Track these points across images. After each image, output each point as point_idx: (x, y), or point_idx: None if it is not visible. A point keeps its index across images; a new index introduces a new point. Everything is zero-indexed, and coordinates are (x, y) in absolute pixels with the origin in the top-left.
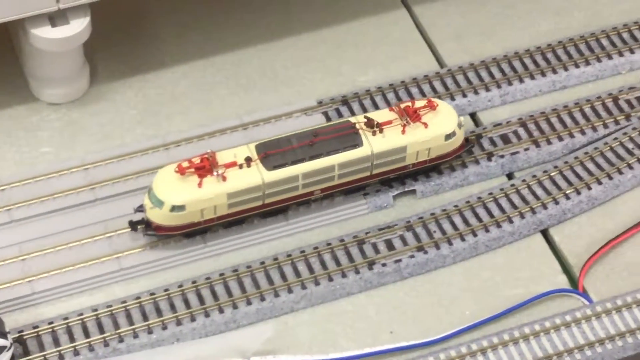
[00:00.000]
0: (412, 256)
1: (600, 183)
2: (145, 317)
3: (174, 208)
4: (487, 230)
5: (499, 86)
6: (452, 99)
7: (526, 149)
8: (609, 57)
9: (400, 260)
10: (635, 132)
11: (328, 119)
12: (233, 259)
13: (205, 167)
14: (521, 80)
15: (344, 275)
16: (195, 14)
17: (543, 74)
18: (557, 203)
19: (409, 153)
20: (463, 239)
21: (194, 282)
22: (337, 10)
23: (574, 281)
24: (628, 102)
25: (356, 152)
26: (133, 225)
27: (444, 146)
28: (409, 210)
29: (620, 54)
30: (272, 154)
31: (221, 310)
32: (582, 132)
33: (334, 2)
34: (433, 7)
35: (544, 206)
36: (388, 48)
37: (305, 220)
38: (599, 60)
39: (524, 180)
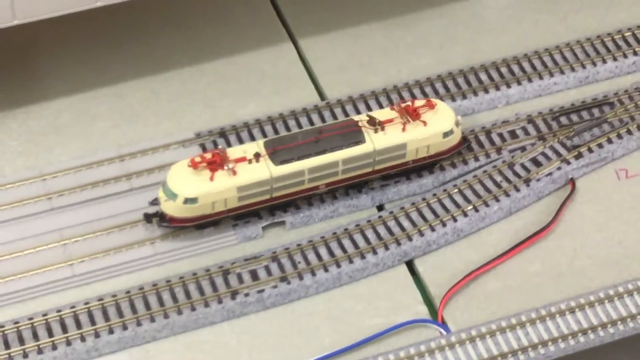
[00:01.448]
0: (275, 286)
1: (466, 215)
2: (7, 346)
3: (187, 200)
4: (350, 261)
5: None
6: None
7: (396, 182)
8: (486, 91)
9: (263, 291)
10: (504, 165)
11: (204, 151)
12: (100, 288)
13: (217, 162)
14: None
15: (206, 305)
16: (79, 47)
17: None
18: (422, 235)
19: (409, 150)
20: (326, 270)
21: (58, 310)
22: (223, 43)
23: (434, 311)
24: (500, 135)
25: (359, 149)
26: (148, 217)
27: (443, 143)
28: (277, 241)
29: (497, 88)
30: (279, 149)
31: (83, 339)
32: (453, 166)
33: (220, 35)
34: (319, 41)
35: (409, 238)
36: (272, 81)
37: (175, 250)
38: (475, 94)
39: (391, 212)
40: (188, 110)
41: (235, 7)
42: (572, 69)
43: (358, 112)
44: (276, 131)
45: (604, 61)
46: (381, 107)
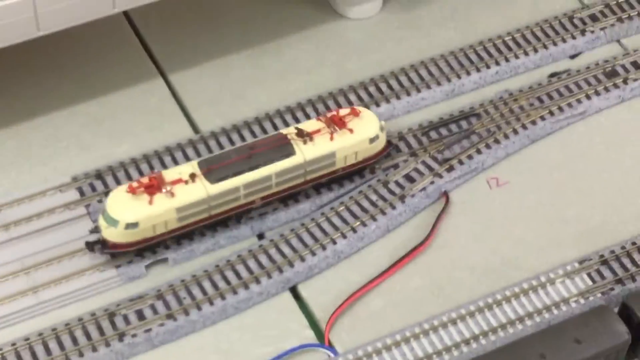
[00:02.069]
0: (162, 324)
1: (345, 237)
2: None
3: (128, 226)
4: (235, 293)
5: None
6: None
7: (275, 209)
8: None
9: (150, 330)
10: (379, 184)
11: (82, 194)
12: None
13: (154, 185)
14: None
15: (94, 349)
16: None
17: None
18: (303, 260)
19: (338, 158)
20: (212, 303)
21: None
22: (93, 83)
23: (321, 335)
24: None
25: (290, 161)
26: (90, 245)
27: (370, 149)
28: (162, 278)
29: (366, 108)
30: (214, 168)
31: None
32: (329, 189)
33: (89, 75)
34: (189, 74)
35: (291, 264)
36: (145, 118)
37: (59, 297)
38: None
39: (271, 240)
40: (63, 154)
41: (102, 46)
42: (438, 83)
43: (232, 144)
44: (152, 167)
45: (468, 73)
46: (255, 136)
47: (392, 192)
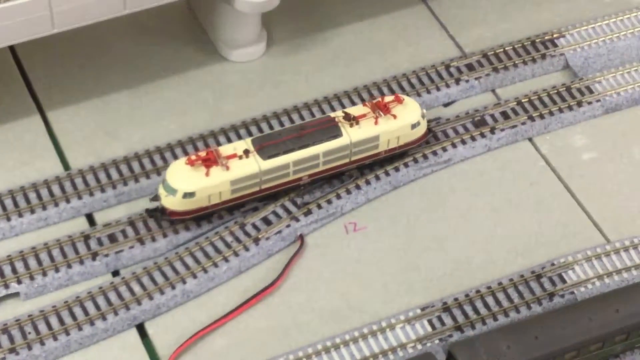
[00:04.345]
0: (4, 358)
1: (195, 277)
2: None
3: (185, 195)
4: (80, 329)
5: (114, 187)
6: (67, 201)
7: (131, 247)
8: None
9: None
10: (236, 225)
11: None
12: None
13: (211, 159)
14: (136, 180)
15: None
16: None
17: (158, 173)
18: (151, 298)
19: (382, 141)
20: (55, 339)
21: None
22: None
23: None
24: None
25: (337, 142)
26: (150, 212)
27: (411, 134)
28: (12, 312)
29: None
30: (266, 145)
31: None
32: (187, 229)
33: None
34: (67, 111)
35: (138, 302)
36: (17, 153)
37: None
38: None
39: (123, 278)
40: None
41: None
42: None
43: (99, 182)
44: (17, 205)
45: None
46: (121, 175)
47: (247, 234)
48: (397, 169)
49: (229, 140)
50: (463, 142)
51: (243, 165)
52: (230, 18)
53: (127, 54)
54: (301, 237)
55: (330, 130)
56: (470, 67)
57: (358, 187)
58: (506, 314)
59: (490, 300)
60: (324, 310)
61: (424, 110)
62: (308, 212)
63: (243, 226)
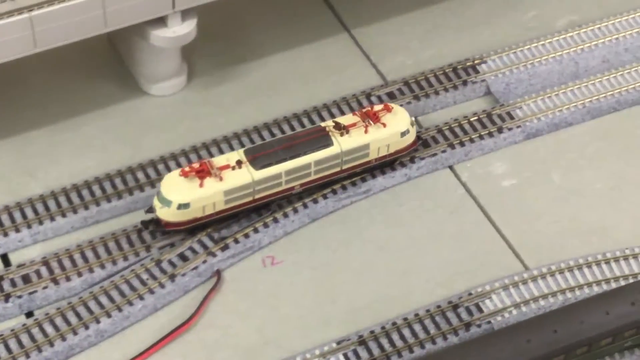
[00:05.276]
0: None
1: (109, 316)
2: None
3: (180, 206)
4: None
5: (29, 226)
6: None
7: (45, 287)
8: (152, 186)
9: None
10: (152, 262)
11: None
12: None
13: (205, 170)
14: (52, 219)
15: None
16: None
17: (75, 211)
18: (64, 339)
19: (372, 149)
20: None
21: None
22: None
23: None
24: (152, 233)
25: (328, 151)
26: (145, 224)
27: (401, 142)
28: None
29: (153, 186)
30: (258, 156)
31: None
32: (102, 266)
33: None
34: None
35: (51, 344)
36: None
37: None
38: (141, 189)
39: (36, 320)
40: None
41: None
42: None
43: (14, 222)
44: None
45: None
46: (37, 214)
47: (163, 271)
48: (315, 201)
49: (147, 177)
50: (382, 172)
51: (236, 176)
52: (148, 52)
53: (46, 89)
54: (218, 273)
55: (321, 139)
56: (391, 96)
57: (276, 220)
58: (422, 346)
59: (406, 332)
60: (239, 347)
61: (413, 119)
62: (225, 247)
63: (159, 263)
